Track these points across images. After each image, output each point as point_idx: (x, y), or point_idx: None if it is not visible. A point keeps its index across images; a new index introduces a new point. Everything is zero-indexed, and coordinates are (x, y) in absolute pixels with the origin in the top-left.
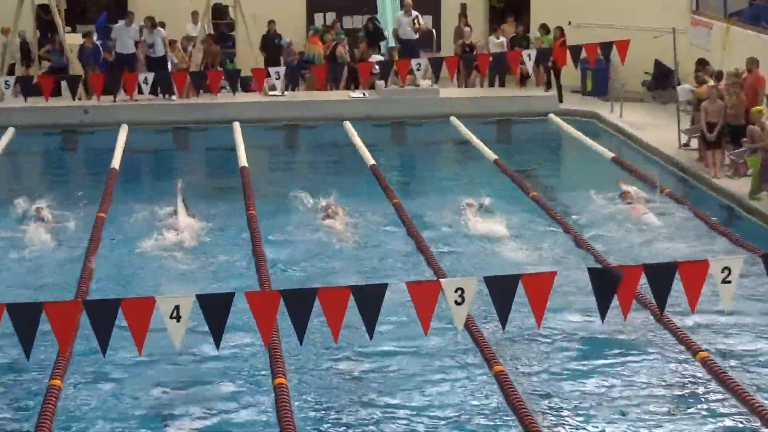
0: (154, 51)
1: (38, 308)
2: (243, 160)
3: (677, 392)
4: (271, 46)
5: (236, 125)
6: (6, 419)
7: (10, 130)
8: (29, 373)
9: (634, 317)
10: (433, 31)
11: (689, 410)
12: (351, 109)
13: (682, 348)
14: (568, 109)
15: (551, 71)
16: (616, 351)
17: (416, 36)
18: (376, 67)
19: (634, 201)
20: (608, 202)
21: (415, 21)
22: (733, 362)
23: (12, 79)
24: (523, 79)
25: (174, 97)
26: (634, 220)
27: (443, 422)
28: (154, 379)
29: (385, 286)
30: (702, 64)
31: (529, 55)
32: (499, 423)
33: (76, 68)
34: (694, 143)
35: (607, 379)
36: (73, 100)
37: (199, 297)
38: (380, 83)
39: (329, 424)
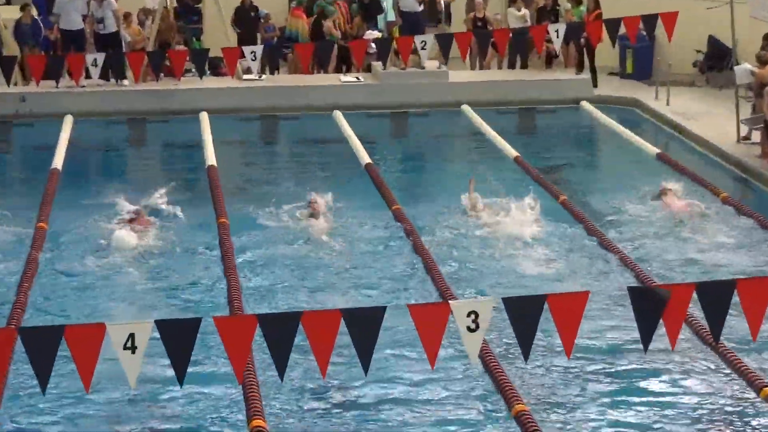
0: (104, 27)
1: None
2: (211, 158)
3: None
4: (246, 20)
5: (203, 116)
6: None
7: None
8: None
9: (683, 346)
10: (442, 2)
11: None
12: (342, 97)
13: (743, 383)
14: (604, 95)
15: (584, 50)
16: (662, 386)
17: (420, 8)
18: (373, 45)
19: (672, 196)
20: (653, 209)
21: None
22: None
23: None
24: (550, 60)
25: (126, 82)
26: (676, 221)
27: None
28: (105, 422)
29: (383, 310)
30: (767, 40)
31: (557, 31)
32: None
33: (11, 48)
34: (756, 136)
35: (650, 419)
36: (8, 86)
37: (158, 323)
38: (377, 65)
39: None
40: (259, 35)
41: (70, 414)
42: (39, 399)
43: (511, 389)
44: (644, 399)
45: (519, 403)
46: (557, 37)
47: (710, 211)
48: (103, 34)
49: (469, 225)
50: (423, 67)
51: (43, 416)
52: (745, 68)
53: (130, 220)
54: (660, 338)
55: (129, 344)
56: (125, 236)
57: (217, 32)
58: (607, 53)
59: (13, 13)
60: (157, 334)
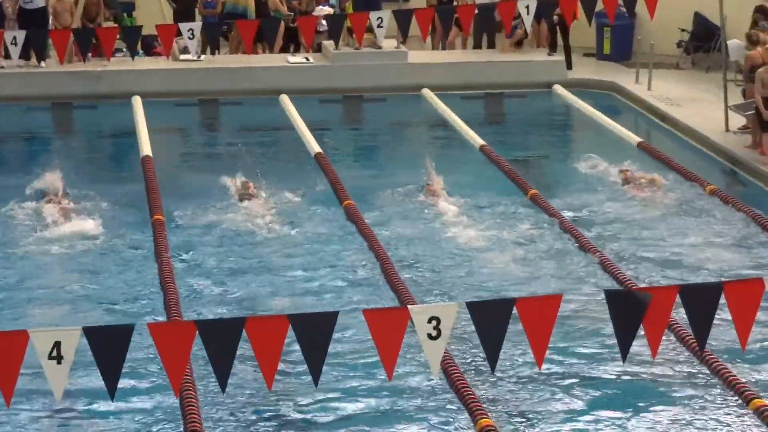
0: (31, 1)
1: None
2: (146, 148)
3: None
4: None
5: (136, 100)
6: None
7: None
8: None
9: (665, 354)
10: None
11: None
12: (290, 79)
13: (731, 394)
14: (579, 78)
15: (557, 28)
16: (642, 397)
17: None
18: (323, 22)
19: (634, 181)
20: (630, 203)
21: None
22: None
23: None
24: (520, 40)
25: (43, 63)
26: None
27: None
28: None
29: (334, 316)
30: (762, 12)
31: (527, 7)
32: None
33: None
34: (744, 122)
35: None
36: None
37: (87, 330)
38: (328, 44)
39: None
40: (197, 11)
41: None
42: None
43: (476, 403)
44: (622, 413)
45: (484, 418)
46: (527, 13)
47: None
48: (29, 9)
49: (428, 222)
50: (379, 47)
51: None
52: (739, 44)
53: (49, 201)
54: (640, 346)
55: (54, 353)
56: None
57: (151, 7)
58: (582, 32)
59: None
60: (85, 342)
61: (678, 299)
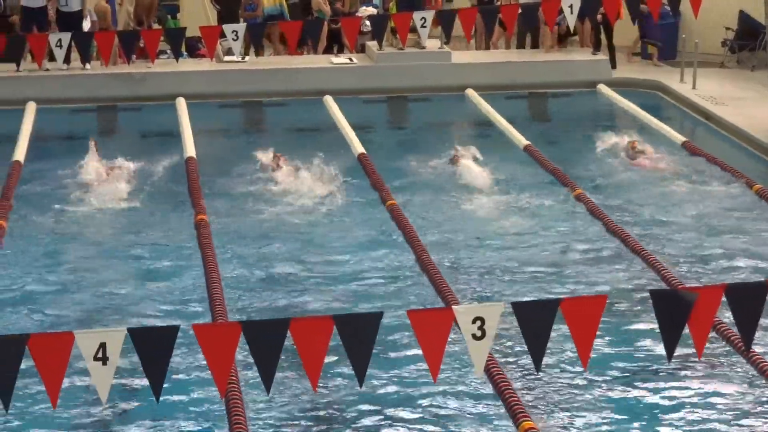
0: (67, 4)
1: None
2: (190, 149)
3: None
4: None
5: (180, 102)
6: None
7: None
8: None
9: (712, 353)
10: None
11: None
12: (333, 80)
13: None
14: (623, 77)
15: (601, 27)
16: (688, 397)
17: None
18: (367, 23)
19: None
20: (681, 204)
21: None
22: None
23: None
24: (563, 38)
25: (88, 66)
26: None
27: None
28: None
29: (379, 316)
30: None
31: (570, 6)
32: None
33: None
34: None
35: None
36: None
37: (132, 332)
38: (372, 45)
39: None
40: (240, 12)
41: (35, 428)
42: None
43: (518, 405)
44: (668, 413)
45: (527, 420)
46: (571, 12)
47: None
48: (66, 12)
49: (469, 218)
50: (423, 47)
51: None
52: None
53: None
54: (686, 345)
55: (100, 355)
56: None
57: (195, 9)
58: (626, 31)
59: None
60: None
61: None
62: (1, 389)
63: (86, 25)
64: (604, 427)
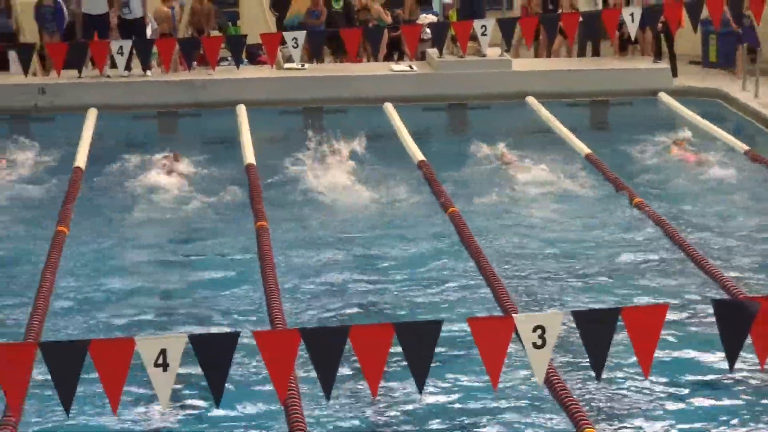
0: (129, 11)
1: None
2: (249, 156)
3: None
4: (286, 3)
5: (241, 109)
6: None
7: None
8: None
9: None
10: None
11: None
12: (393, 87)
13: None
14: (684, 86)
15: (662, 35)
16: (749, 406)
17: None
18: (427, 30)
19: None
20: (746, 215)
21: None
22: None
23: None
24: (624, 46)
25: (149, 73)
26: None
27: None
28: None
29: (439, 325)
30: None
31: (631, 15)
32: None
33: (29, 34)
34: None
35: None
36: (26, 76)
37: (193, 338)
38: (432, 52)
39: None
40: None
41: None
42: (62, 420)
43: (580, 412)
44: (728, 425)
45: (588, 428)
46: (632, 21)
47: None
48: (127, 19)
49: (531, 231)
50: (483, 55)
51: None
52: None
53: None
54: (749, 355)
55: (160, 361)
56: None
57: (256, 16)
58: (687, 39)
59: None
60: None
61: None
62: (63, 394)
63: (148, 33)
64: (662, 428)
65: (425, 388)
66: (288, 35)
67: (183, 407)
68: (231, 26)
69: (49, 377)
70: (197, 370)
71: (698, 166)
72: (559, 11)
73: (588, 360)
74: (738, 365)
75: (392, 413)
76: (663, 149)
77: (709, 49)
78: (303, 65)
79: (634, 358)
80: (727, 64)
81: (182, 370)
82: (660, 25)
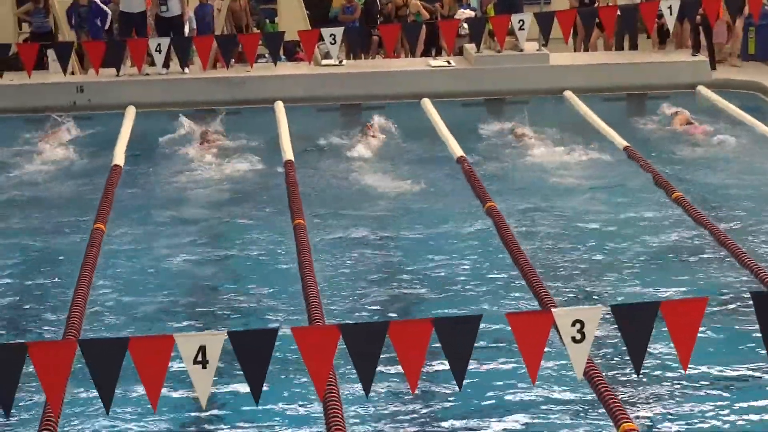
0: (167, 9)
1: (21, 350)
2: (288, 153)
3: None
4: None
5: (279, 106)
6: None
7: None
8: (10, 429)
9: None
10: None
11: None
12: (431, 83)
13: None
14: (723, 79)
15: (700, 28)
16: None
17: None
18: (465, 26)
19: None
20: None
21: None
22: None
23: None
24: (663, 39)
25: (187, 70)
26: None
27: None
28: None
29: (478, 319)
30: None
31: (669, 7)
32: None
33: (67, 33)
34: None
35: None
36: (64, 75)
37: (232, 334)
38: (470, 47)
39: None
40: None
41: (136, 430)
42: (101, 417)
43: (619, 407)
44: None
45: (627, 422)
46: (670, 14)
47: None
48: (166, 17)
49: (570, 225)
50: (521, 50)
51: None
52: None
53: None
54: None
55: (199, 358)
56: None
57: (294, 13)
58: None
59: None
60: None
61: None
62: (103, 391)
63: (186, 31)
64: (704, 430)
65: (464, 382)
66: (325, 31)
67: (222, 404)
68: (268, 23)
69: (90, 374)
70: (236, 367)
71: (737, 161)
72: (597, 4)
73: (627, 354)
74: None
75: (432, 407)
76: (700, 143)
77: (748, 41)
78: (341, 61)
79: (674, 352)
80: (766, 57)
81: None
82: (698, 17)
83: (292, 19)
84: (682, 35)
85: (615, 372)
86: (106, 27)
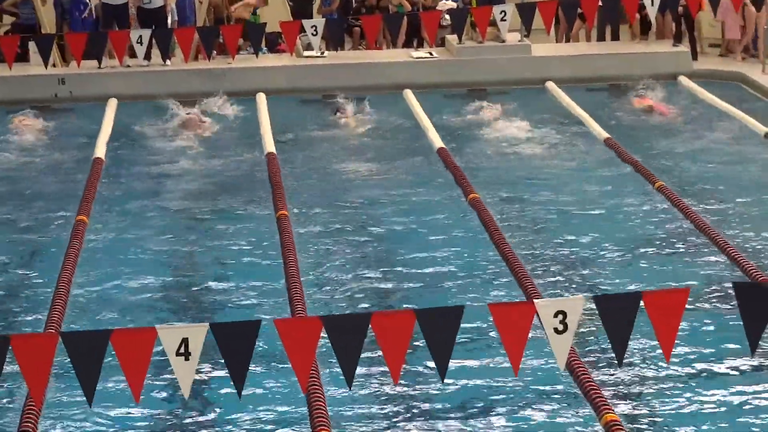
0: (150, 1)
1: (3, 343)
2: (269, 145)
3: None
4: None
5: (260, 97)
6: None
7: None
8: None
9: None
10: None
11: None
12: (413, 74)
13: None
14: (704, 69)
15: (682, 19)
16: None
17: None
18: (447, 16)
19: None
20: (760, 194)
21: None
22: None
23: None
24: (645, 30)
25: (169, 62)
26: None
27: None
28: None
29: (460, 310)
30: None
31: None
32: None
33: (48, 25)
34: None
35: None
36: (45, 67)
37: (214, 326)
38: (452, 38)
39: None
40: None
41: (119, 425)
42: (84, 409)
43: (600, 397)
44: (751, 408)
45: (609, 413)
46: (652, 4)
47: None
48: (148, 9)
49: (551, 216)
50: (503, 41)
51: (88, 425)
52: None
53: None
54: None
55: (182, 350)
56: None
57: (275, 5)
58: (707, 22)
59: None
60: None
61: None
62: (85, 384)
63: (168, 22)
64: (686, 420)
65: (447, 374)
66: (307, 23)
67: (204, 396)
68: (251, 15)
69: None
70: (219, 359)
71: (719, 150)
72: None
73: (609, 344)
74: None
75: (414, 400)
76: (682, 132)
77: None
78: (323, 53)
79: (655, 342)
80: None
81: (203, 359)
82: (680, 8)
83: (274, 10)
84: (663, 26)
85: (597, 363)
86: (83, 16)
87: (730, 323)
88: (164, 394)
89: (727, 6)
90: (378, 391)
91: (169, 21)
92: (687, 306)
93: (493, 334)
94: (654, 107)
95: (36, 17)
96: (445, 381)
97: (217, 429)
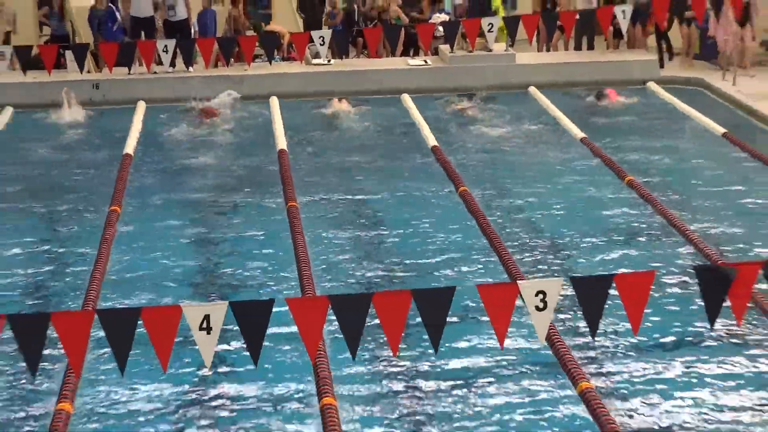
0: (174, 13)
1: (44, 320)
2: (281, 142)
3: None
4: (311, 6)
5: (273, 100)
6: None
7: (8, 110)
8: (32, 395)
9: (753, 319)
10: None
11: None
12: (410, 80)
13: None
14: (670, 76)
15: (656, 30)
16: (729, 361)
17: None
18: (440, 28)
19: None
20: (721, 182)
21: None
22: None
23: (8, 50)
24: (618, 39)
25: (191, 69)
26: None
27: None
28: (180, 400)
29: (452, 291)
30: None
31: (623, 11)
32: None
33: (83, 36)
34: None
35: (720, 398)
36: (81, 73)
37: (233, 305)
38: (444, 48)
39: None
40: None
41: (148, 390)
42: (116, 378)
43: (576, 368)
44: (710, 374)
45: (584, 381)
46: (623, 17)
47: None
48: (173, 21)
49: (532, 206)
50: (490, 50)
51: (121, 393)
52: None
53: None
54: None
55: (204, 325)
56: None
57: (286, 18)
58: (673, 33)
59: (85, 0)
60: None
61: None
62: (119, 355)
63: (192, 34)
64: (653, 385)
65: (440, 347)
66: (315, 34)
67: (224, 367)
68: (264, 26)
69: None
70: (237, 333)
71: (681, 148)
72: (558, 9)
73: (584, 321)
74: (717, 324)
75: (410, 371)
76: (650, 132)
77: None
78: (329, 61)
79: (626, 319)
80: (710, 56)
81: (223, 334)
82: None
83: (285, 22)
84: (634, 37)
85: (573, 337)
86: (114, 29)
87: (692, 302)
88: (189, 369)
89: (716, 24)
90: (378, 362)
91: (192, 32)
92: (653, 287)
93: (481, 311)
94: (608, 93)
95: (69, 29)
96: (438, 353)
97: (232, 395)
